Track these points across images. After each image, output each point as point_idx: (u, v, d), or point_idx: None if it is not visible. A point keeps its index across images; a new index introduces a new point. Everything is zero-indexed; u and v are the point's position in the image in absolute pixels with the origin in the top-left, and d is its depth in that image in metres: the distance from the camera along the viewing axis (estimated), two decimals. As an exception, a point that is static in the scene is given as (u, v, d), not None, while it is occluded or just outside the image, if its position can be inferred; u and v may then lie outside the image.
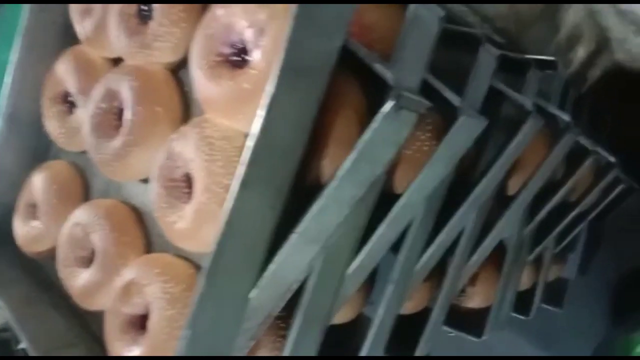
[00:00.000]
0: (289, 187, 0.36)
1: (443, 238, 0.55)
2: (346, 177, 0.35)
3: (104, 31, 0.50)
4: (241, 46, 0.38)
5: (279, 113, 0.32)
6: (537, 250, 0.81)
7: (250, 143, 0.32)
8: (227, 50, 0.38)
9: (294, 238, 0.36)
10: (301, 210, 0.37)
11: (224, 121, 0.38)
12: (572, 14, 0.70)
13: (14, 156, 0.59)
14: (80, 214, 0.48)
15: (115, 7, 0.48)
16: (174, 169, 0.40)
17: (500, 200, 0.65)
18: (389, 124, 0.34)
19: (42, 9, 0.57)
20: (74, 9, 0.53)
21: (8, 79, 0.57)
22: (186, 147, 0.39)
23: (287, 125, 0.33)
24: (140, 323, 0.41)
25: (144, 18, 0.46)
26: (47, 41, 0.58)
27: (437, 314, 0.62)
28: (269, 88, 0.31)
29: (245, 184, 0.32)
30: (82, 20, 0.52)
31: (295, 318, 0.43)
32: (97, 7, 0.50)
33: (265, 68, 0.35)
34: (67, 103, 0.55)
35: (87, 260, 0.48)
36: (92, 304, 0.47)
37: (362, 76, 0.39)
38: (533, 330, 0.97)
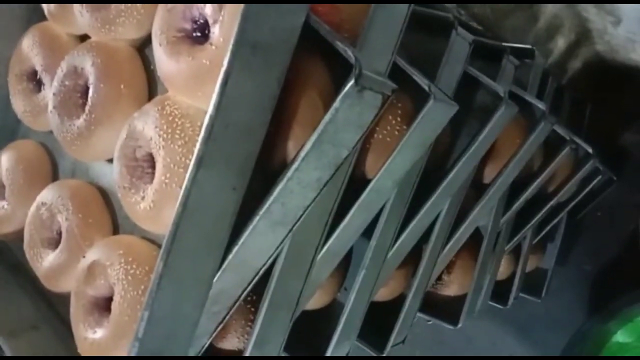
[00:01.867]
0: (252, 168, 0.35)
1: (416, 224, 0.55)
2: (309, 159, 0.35)
3: (68, 7, 0.49)
4: (202, 21, 0.37)
5: (236, 90, 0.31)
6: (515, 239, 0.81)
7: (206, 120, 0.31)
8: (188, 25, 0.37)
9: (256, 220, 0.36)
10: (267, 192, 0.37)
11: (184, 99, 0.37)
12: (551, 4, 0.70)
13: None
14: (46, 195, 0.48)
15: (79, -17, 0.47)
16: (135, 149, 0.40)
17: (477, 189, 0.65)
18: (352, 105, 0.33)
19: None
20: (41, -15, 0.52)
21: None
22: (147, 126, 0.38)
23: (245, 104, 0.32)
24: (104, 304, 0.41)
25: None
26: (13, 16, 0.57)
27: (412, 300, 0.61)
28: (224, 64, 0.30)
29: (201, 162, 0.31)
30: (46, -4, 0.51)
31: (263, 302, 0.42)
32: (62, -17, 0.49)
33: (223, 44, 0.34)
34: (34, 81, 0.54)
35: (54, 242, 0.47)
36: (58, 286, 0.46)
37: (329, 58, 0.38)
38: (511, 321, 0.98)
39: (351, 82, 0.32)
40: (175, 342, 0.34)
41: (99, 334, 0.39)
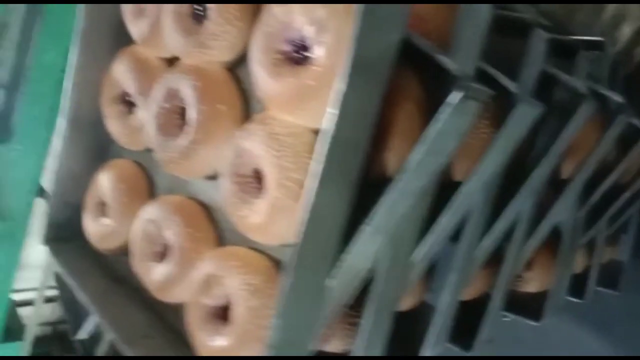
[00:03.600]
0: (358, 180, 0.37)
1: (501, 224, 0.56)
2: (414, 169, 0.36)
3: (158, 31, 0.52)
4: (301, 43, 0.39)
5: (349, 109, 0.33)
6: (590, 232, 0.80)
7: (325, 140, 0.33)
8: (287, 47, 0.39)
9: (366, 230, 0.38)
10: (366, 202, 0.38)
11: (287, 117, 0.40)
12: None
13: (77, 156, 0.62)
14: (152, 211, 0.51)
15: (169, 8, 0.49)
16: (242, 166, 0.42)
17: (554, 184, 0.65)
18: (455, 114, 0.35)
19: (96, 9, 0.59)
20: (127, 10, 0.55)
21: (68, 82, 0.59)
22: (254, 144, 0.40)
23: (356, 120, 0.34)
24: (221, 314, 0.43)
25: (199, 18, 0.48)
26: (102, 42, 0.60)
27: (497, 299, 0.62)
28: (340, 85, 0.32)
29: (323, 179, 0.33)
30: (136, 21, 0.54)
31: (367, 306, 0.44)
32: (151, 8, 0.52)
33: (328, 64, 0.36)
34: (126, 103, 0.57)
35: (161, 255, 0.50)
36: (170, 297, 0.49)
37: (420, 67, 0.40)
38: (589, 316, 0.96)
39: (460, 94, 0.33)
40: (298, 347, 0.36)
41: (221, 341, 0.41)
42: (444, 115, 0.34)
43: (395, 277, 0.46)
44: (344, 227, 0.38)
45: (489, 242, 0.56)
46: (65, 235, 0.63)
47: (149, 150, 0.57)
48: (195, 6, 0.48)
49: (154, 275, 0.50)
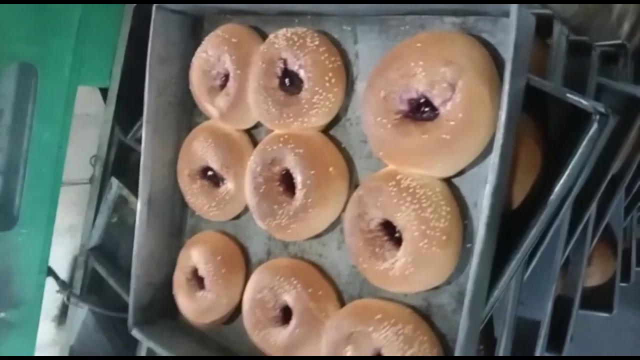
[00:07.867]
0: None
1: (579, 231, 0.59)
2: (553, 200, 0.39)
3: (239, 106, 0.54)
4: (420, 101, 0.41)
5: (504, 157, 0.35)
6: (629, 218, 0.85)
7: (488, 190, 0.35)
8: (405, 107, 0.41)
9: (514, 264, 0.40)
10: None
11: (417, 171, 0.41)
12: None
13: (154, 237, 0.62)
14: (263, 278, 0.51)
15: (253, 83, 0.51)
16: (369, 222, 0.44)
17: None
18: (588, 145, 0.38)
19: (159, 93, 0.60)
20: (200, 90, 0.57)
21: (142, 168, 0.60)
22: (385, 200, 0.42)
23: (505, 166, 0.36)
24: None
25: (289, 88, 0.50)
26: (167, 123, 0.61)
27: (578, 300, 0.65)
28: (498, 136, 0.34)
29: (489, 227, 0.35)
30: (212, 99, 0.56)
31: (499, 328, 0.46)
32: (231, 87, 0.54)
33: (461, 119, 0.38)
34: (207, 177, 0.58)
35: (280, 320, 0.51)
36: (297, 359, 0.50)
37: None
38: (633, 300, 0.99)
39: (596, 128, 0.36)
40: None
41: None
42: (581, 148, 0.37)
43: (515, 298, 0.48)
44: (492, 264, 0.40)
45: (569, 249, 0.59)
46: (151, 316, 0.63)
47: (234, 219, 0.58)
48: (283, 78, 0.50)
49: (278, 340, 0.50)
